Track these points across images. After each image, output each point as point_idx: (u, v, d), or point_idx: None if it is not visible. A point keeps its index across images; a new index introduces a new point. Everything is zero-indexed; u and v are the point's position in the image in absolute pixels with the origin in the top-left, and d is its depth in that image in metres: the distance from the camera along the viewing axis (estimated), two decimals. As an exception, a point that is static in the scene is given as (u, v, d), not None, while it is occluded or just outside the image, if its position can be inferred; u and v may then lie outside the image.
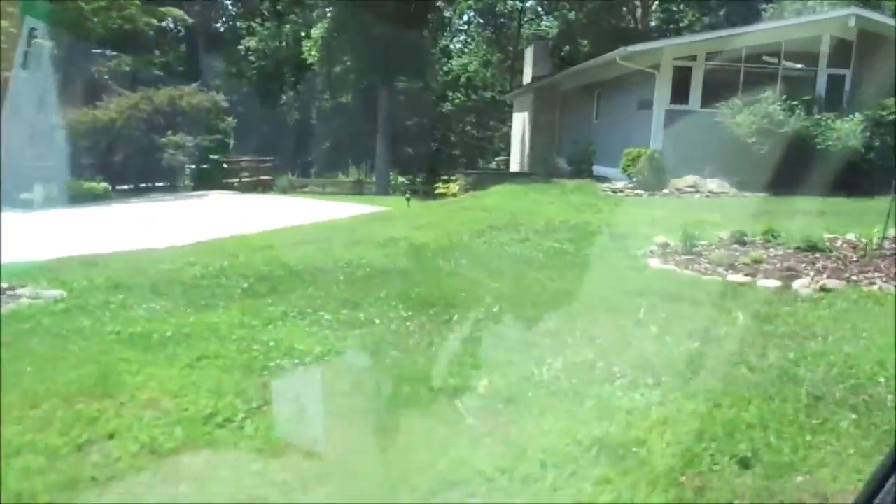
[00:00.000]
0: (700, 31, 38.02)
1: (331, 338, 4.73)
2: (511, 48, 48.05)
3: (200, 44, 32.64)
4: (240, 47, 37.27)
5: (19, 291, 5.97)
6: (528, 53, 28.81)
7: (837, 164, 14.13)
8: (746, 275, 6.79)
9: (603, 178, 18.76)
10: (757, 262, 7.22)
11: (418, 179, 38.65)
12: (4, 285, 6.12)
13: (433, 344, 4.62)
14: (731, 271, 6.97)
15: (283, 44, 37.94)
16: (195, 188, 22.70)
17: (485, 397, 3.73)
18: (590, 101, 22.62)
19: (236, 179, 27.76)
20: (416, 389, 3.80)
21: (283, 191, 27.34)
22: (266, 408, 3.54)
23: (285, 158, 35.57)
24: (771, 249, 7.96)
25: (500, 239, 9.37)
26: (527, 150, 27.95)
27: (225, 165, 26.23)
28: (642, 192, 15.89)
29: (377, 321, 5.12)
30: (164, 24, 20.24)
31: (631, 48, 17.18)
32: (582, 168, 19.36)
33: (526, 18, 48.73)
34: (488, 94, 46.95)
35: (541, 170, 22.23)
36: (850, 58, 16.84)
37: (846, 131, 14.83)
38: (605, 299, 5.81)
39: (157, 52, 35.54)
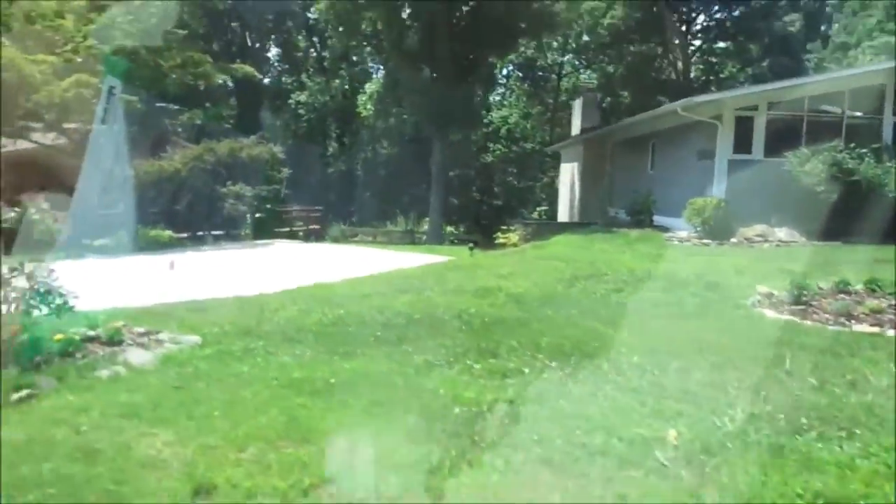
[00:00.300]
0: (745, 83, 38.43)
1: (490, 387, 4.76)
2: (551, 101, 48.78)
3: (255, 97, 33.73)
4: (290, 101, 38.42)
5: (160, 336, 6.13)
6: (577, 105, 29.21)
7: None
8: (872, 325, 6.70)
9: (663, 228, 18.72)
10: (876, 311, 7.12)
11: (461, 228, 39.00)
12: (141, 329, 6.30)
13: (595, 394, 4.63)
14: (853, 321, 6.88)
15: (331, 98, 38.99)
16: (255, 237, 23.21)
17: (678, 448, 3.71)
18: (644, 152, 22.76)
19: (287, 228, 28.39)
20: (607, 439, 3.80)
21: (335, 240, 27.76)
22: (471, 457, 3.56)
23: (331, 208, 36.32)
24: (882, 299, 7.84)
25: (594, 288, 9.37)
26: (577, 201, 28.11)
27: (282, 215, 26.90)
28: (710, 241, 15.81)
29: (526, 370, 5.14)
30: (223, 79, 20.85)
31: (694, 99, 17.39)
32: (642, 218, 19.36)
33: (565, 72, 49.47)
34: (528, 146, 47.45)
35: (598, 219, 22.29)
36: (916, 105, 16.82)
37: (917, 179, 14.71)
38: (740, 350, 5.77)
39: (207, 105, 36.88)
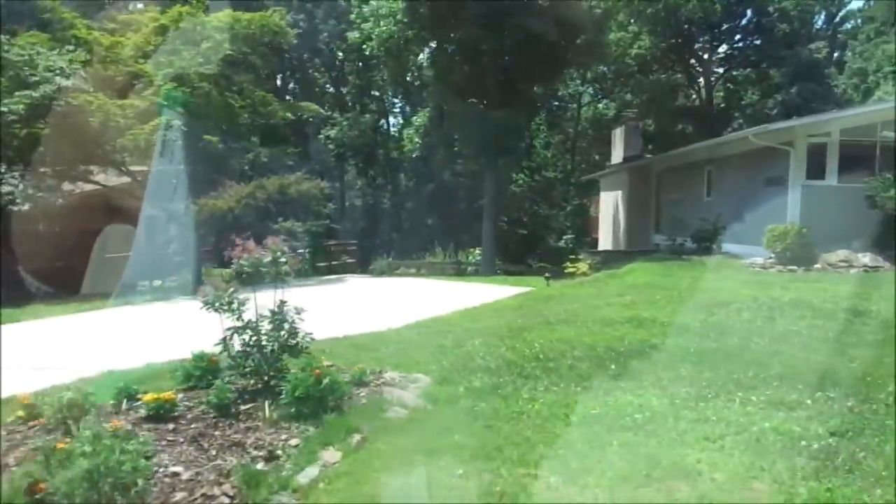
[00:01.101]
0: (775, 109, 38.87)
1: (795, 419, 4.73)
2: (571, 130, 49.19)
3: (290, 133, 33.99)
4: (320, 136, 38.70)
5: (388, 376, 6.08)
6: (618, 133, 29.48)
7: None
8: None
9: (732, 255, 18.74)
10: None
11: (478, 255, 38.98)
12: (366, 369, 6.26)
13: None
14: None
15: (361, 132, 39.31)
16: (316, 272, 23.26)
17: None
18: (698, 179, 22.86)
19: (333, 262, 28.46)
20: None
21: (382, 272, 27.77)
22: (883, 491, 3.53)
23: (363, 241, 36.50)
24: None
25: (742, 318, 9.36)
26: (622, 229, 28.22)
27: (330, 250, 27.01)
28: (795, 267, 15.83)
29: (808, 402, 5.12)
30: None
31: (769, 126, 17.59)
32: (709, 245, 19.39)
33: (584, 102, 49.89)
34: (550, 175, 47.69)
35: (648, 246, 22.27)
36: None
37: None
38: None
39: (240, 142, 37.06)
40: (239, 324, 5.68)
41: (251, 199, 24.46)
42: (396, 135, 46.96)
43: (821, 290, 11.84)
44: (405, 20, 23.68)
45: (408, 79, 35.51)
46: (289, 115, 19.43)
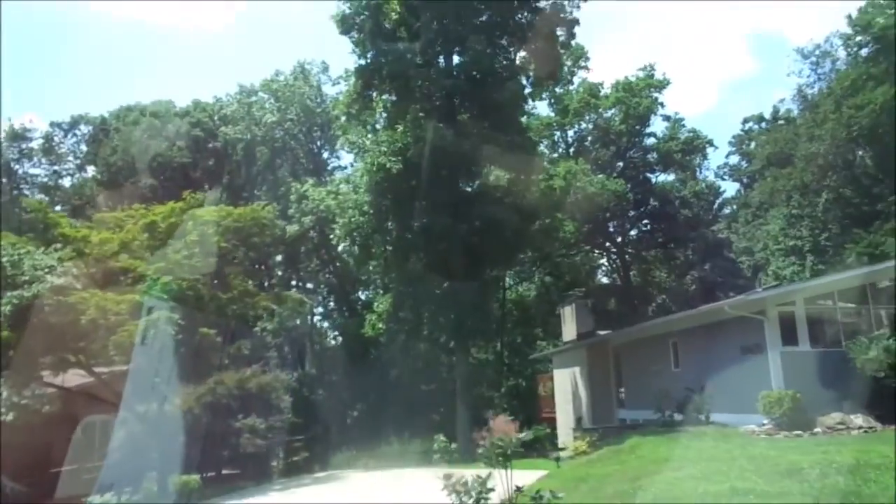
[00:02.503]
0: (691, 286, 41.94)
1: None
2: (497, 313, 50.56)
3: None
4: (256, 329, 37.77)
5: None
6: (568, 312, 30.49)
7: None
8: None
9: (721, 424, 19.04)
10: None
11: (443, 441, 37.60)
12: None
13: None
14: None
15: (298, 323, 38.81)
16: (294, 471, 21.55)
17: None
18: (662, 351, 23.63)
19: (278, 462, 26.54)
20: None
21: (348, 465, 26.19)
22: None
23: (308, 435, 34.55)
24: None
25: (838, 482, 9.47)
26: (584, 405, 28.35)
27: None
28: (800, 432, 16.29)
29: None
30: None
31: (744, 298, 18.90)
32: (697, 415, 19.71)
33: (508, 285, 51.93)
34: (482, 356, 48.03)
35: (654, 418, 22.00)
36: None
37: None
38: None
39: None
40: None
41: (211, 396, 22.93)
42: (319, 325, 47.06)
43: (861, 452, 12.16)
44: (371, 211, 24.49)
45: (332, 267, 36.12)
46: (272, 305, 19.03)
